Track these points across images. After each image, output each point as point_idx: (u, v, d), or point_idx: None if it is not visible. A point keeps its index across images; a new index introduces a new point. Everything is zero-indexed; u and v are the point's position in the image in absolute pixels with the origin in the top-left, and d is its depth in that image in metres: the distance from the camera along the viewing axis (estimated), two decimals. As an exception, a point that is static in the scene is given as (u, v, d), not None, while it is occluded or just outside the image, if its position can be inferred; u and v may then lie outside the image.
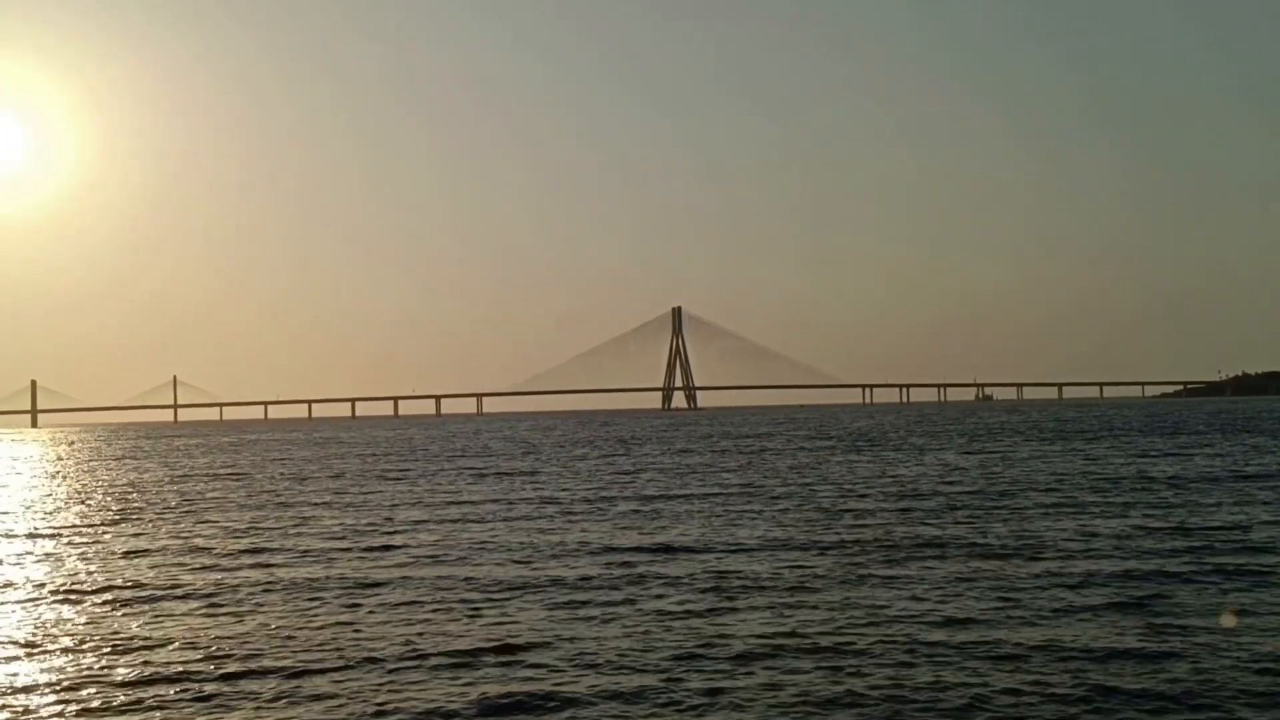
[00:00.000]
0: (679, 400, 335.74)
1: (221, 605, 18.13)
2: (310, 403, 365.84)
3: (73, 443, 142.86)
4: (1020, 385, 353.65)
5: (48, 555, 25.40)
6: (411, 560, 22.57)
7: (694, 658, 13.87)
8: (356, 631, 15.73)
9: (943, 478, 41.16)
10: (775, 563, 21.16)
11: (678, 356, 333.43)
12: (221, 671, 13.64)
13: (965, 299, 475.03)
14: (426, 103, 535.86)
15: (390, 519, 30.98)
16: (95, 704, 12.45)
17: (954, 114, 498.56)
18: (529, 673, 13.29)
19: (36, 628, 16.67)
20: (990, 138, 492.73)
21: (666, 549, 23.23)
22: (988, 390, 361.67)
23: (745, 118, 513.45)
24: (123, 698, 12.64)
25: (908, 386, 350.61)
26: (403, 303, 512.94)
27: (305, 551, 24.47)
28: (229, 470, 61.17)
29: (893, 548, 22.76)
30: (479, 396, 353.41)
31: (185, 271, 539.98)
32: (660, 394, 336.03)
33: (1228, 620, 15.25)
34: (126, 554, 25.03)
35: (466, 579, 19.96)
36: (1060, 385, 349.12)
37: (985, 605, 16.66)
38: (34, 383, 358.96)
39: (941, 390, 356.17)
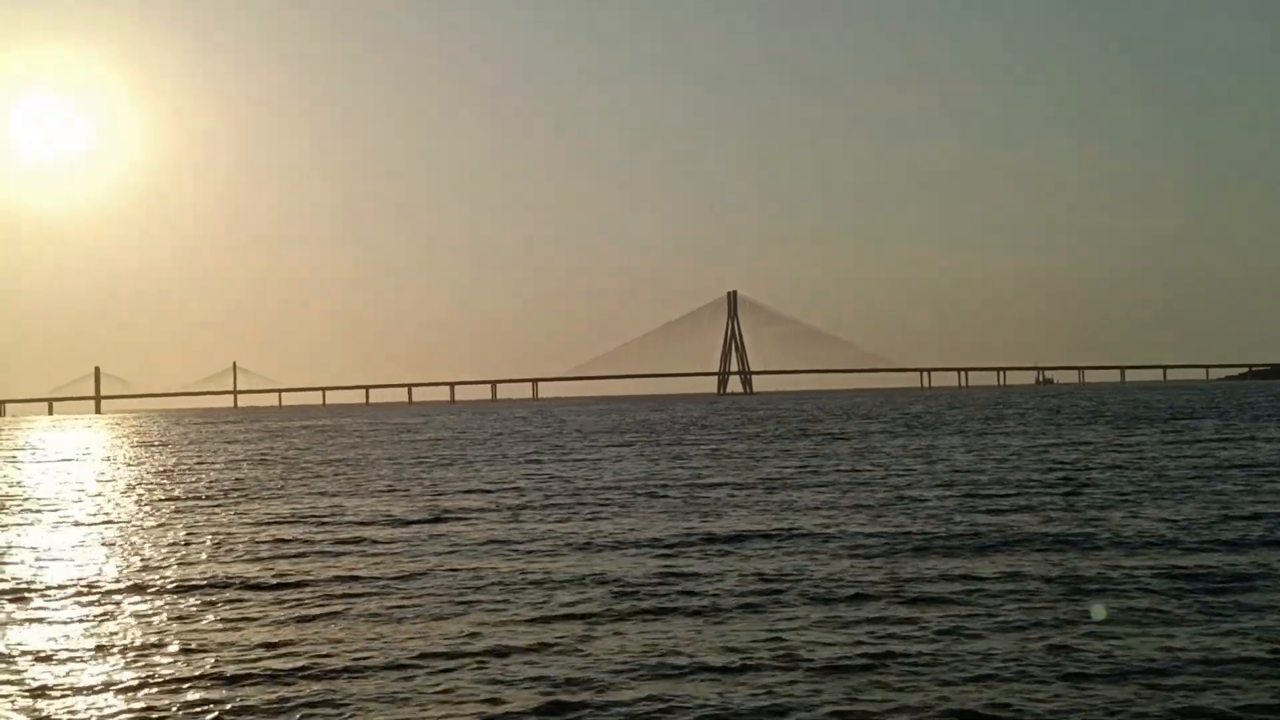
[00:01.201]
0: (734, 385, 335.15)
1: (291, 598, 17.96)
2: (367, 388, 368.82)
3: (134, 430, 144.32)
4: (1082, 369, 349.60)
5: (118, 542, 25.38)
6: (457, 549, 22.34)
7: (761, 668, 13.46)
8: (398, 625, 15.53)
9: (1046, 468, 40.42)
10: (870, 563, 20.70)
11: (733, 340, 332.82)
12: (291, 667, 13.44)
13: (1025, 280, 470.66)
14: (481, 90, 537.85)
15: (458, 507, 30.81)
16: (167, 699, 12.28)
17: (1012, 93, 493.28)
18: (575, 672, 12.97)
19: (104, 619, 16.59)
20: (1048, 116, 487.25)
21: (738, 537, 22.88)
22: (1048, 374, 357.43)
23: (799, 99, 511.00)
24: (199, 694, 12.48)
25: (966, 370, 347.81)
26: (459, 288, 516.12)
27: (355, 540, 24.32)
28: (333, 457, 61.44)
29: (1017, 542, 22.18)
30: (534, 381, 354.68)
31: (245, 259, 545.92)
32: (715, 378, 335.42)
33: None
34: (206, 542, 24.96)
35: (524, 571, 19.70)
36: (1123, 368, 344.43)
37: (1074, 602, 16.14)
38: (97, 369, 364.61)
39: (1001, 374, 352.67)
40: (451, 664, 13.46)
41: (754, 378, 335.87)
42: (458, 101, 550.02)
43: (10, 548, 25.11)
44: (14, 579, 20.40)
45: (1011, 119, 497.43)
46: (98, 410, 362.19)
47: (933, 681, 12.30)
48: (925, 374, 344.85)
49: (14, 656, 14.34)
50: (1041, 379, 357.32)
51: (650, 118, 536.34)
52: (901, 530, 23.58)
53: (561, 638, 14.60)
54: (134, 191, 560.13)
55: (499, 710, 11.72)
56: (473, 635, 14.87)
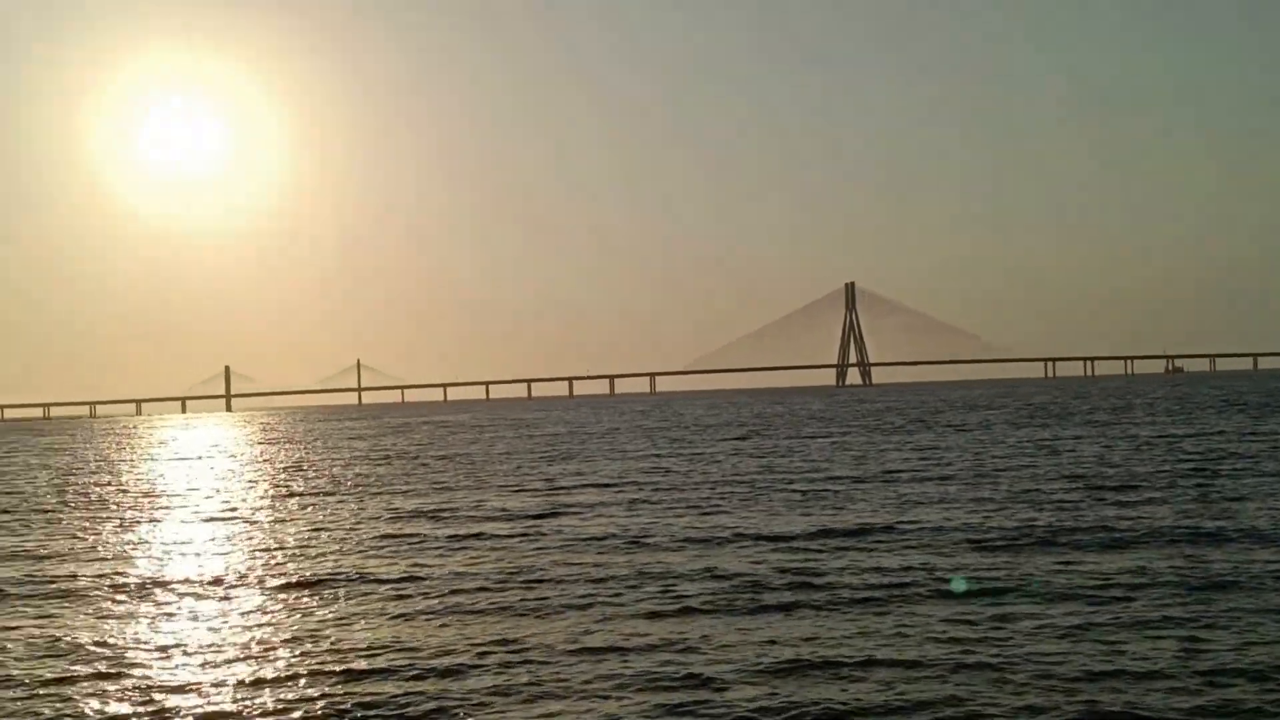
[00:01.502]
0: (853, 377, 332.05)
1: (410, 592, 18.16)
2: (488, 384, 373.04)
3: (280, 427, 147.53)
4: (1213, 356, 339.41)
5: (241, 537, 25.93)
6: (575, 543, 22.37)
7: (884, 664, 13.26)
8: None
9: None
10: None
11: (851, 332, 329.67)
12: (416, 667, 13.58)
13: (1153, 266, 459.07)
14: (601, 90, 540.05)
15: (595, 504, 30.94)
16: (284, 693, 12.49)
17: (1140, 77, 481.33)
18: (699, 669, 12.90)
19: (223, 614, 16.97)
20: (1177, 100, 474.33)
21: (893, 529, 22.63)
22: (1178, 362, 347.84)
23: (915, 87, 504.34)
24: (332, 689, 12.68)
25: (1092, 360, 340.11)
26: (578, 284, 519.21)
27: (473, 535, 24.52)
28: (451, 450, 62.30)
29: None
30: (652, 376, 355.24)
31: (369, 261, 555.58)
32: (834, 371, 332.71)
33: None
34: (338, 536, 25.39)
35: (636, 566, 19.68)
36: (1255, 355, 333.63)
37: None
38: (228, 369, 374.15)
39: (1129, 363, 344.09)
40: (572, 660, 13.47)
41: (873, 369, 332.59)
42: (579, 100, 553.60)
43: (138, 542, 25.84)
44: (138, 573, 20.97)
45: (1139, 104, 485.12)
46: (228, 408, 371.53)
47: (1061, 680, 11.99)
48: (1049, 364, 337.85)
49: (135, 648, 14.73)
50: (1171, 367, 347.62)
51: (768, 111, 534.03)
52: (1026, 524, 23.10)
53: (682, 634, 14.53)
54: (264, 196, 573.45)
55: (619, 707, 11.69)
56: (591, 631, 14.88)
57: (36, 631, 15.95)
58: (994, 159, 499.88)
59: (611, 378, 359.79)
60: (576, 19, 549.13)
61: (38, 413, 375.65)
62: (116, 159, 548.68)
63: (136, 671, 13.61)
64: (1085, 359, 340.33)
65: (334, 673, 13.24)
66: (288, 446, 78.86)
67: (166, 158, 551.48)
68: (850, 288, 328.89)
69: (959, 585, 13.80)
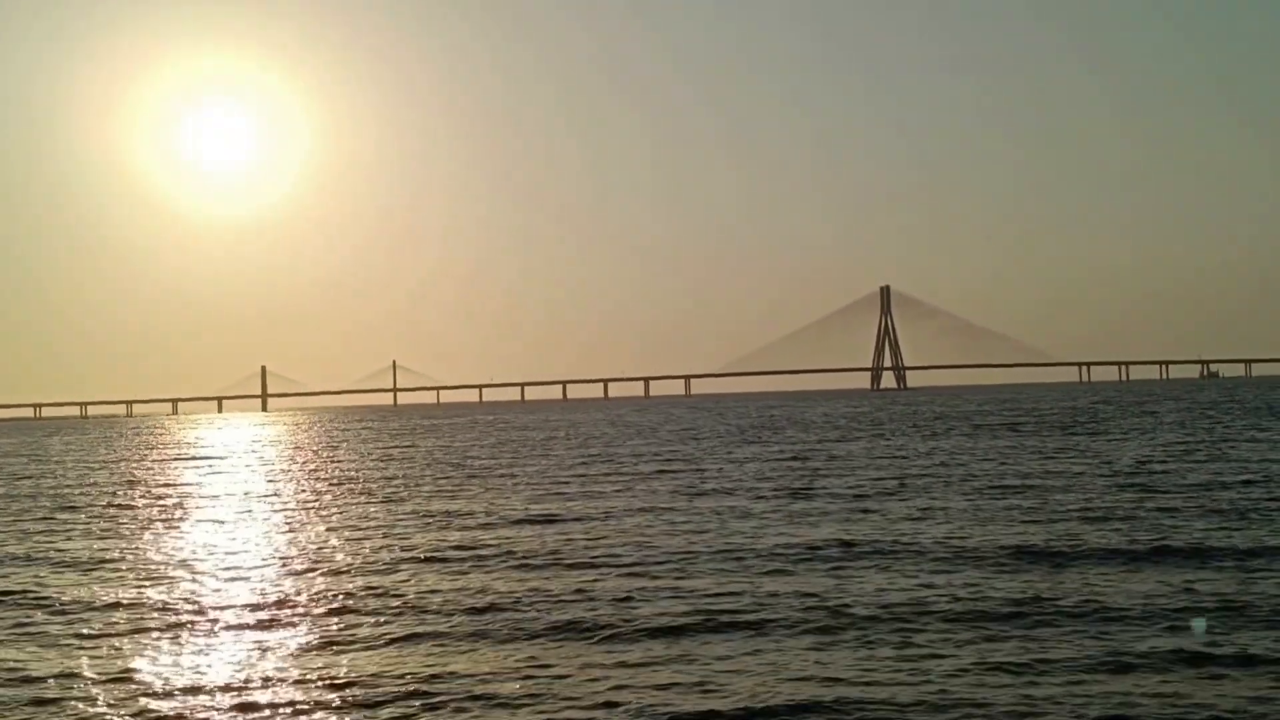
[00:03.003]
0: (888, 380, 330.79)
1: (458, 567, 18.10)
2: (523, 385, 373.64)
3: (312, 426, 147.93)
4: (1249, 361, 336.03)
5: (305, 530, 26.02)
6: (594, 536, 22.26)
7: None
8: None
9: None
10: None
11: (886, 336, 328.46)
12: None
13: (1189, 269, 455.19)
14: (639, 92, 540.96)
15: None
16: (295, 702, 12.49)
17: (1172, 80, 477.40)
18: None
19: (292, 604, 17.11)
20: (1214, 106, 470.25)
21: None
22: (1214, 367, 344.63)
23: (953, 90, 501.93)
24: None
25: (1127, 364, 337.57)
26: (613, 286, 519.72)
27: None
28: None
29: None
30: (687, 378, 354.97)
31: (405, 260, 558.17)
32: (869, 374, 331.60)
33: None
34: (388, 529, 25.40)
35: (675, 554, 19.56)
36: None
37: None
38: (264, 368, 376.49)
39: (1164, 367, 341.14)
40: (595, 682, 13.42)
41: (908, 373, 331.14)
42: (617, 101, 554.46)
43: (166, 540, 25.89)
44: (166, 573, 21.02)
45: (1175, 109, 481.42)
46: (264, 408, 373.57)
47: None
48: (1084, 368, 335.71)
49: (162, 644, 14.78)
50: (1206, 372, 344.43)
51: (806, 113, 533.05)
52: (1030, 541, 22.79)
53: (687, 654, 14.44)
54: (299, 198, 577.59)
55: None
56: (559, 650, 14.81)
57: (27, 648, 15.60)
58: (1029, 163, 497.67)
59: (646, 380, 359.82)
60: (614, 16, 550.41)
61: (75, 411, 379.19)
62: (155, 159, 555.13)
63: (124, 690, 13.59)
64: (1120, 363, 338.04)
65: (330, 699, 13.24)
66: (321, 448, 79.09)
67: (204, 158, 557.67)
68: (885, 291, 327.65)
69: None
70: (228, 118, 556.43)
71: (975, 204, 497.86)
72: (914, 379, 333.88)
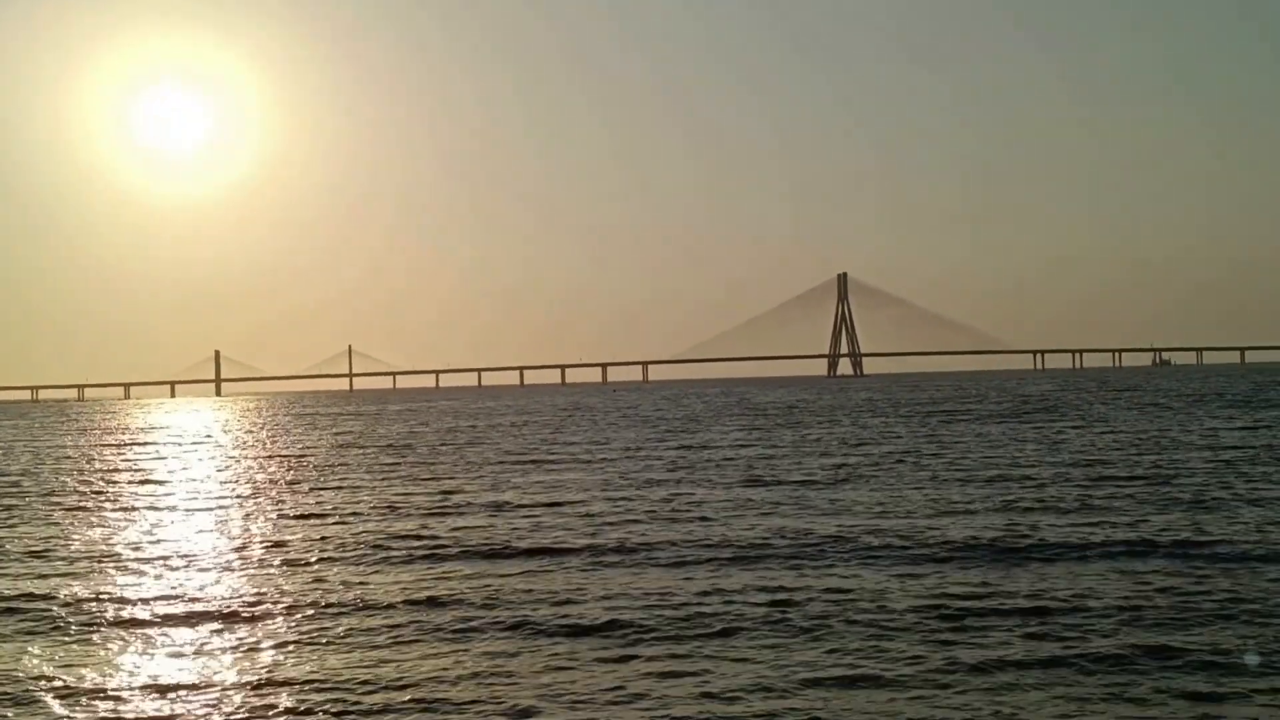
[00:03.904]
0: (845, 367, 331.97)
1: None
2: (480, 371, 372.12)
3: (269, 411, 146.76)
4: (1200, 350, 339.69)
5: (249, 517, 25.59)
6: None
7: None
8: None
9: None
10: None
11: (843, 323, 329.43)
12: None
13: (1140, 260, 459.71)
14: (597, 78, 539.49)
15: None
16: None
17: (1126, 73, 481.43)
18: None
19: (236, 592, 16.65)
20: (1166, 97, 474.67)
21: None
22: (1165, 355, 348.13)
23: (911, 79, 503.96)
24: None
25: (1081, 352, 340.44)
26: (571, 272, 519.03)
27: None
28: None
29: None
30: (644, 364, 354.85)
31: (360, 245, 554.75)
32: (825, 361, 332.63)
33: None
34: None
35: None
36: (1243, 349, 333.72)
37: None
38: (217, 353, 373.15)
39: (1116, 355, 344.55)
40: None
41: (864, 360, 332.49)
42: (574, 86, 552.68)
43: (117, 527, 25.39)
44: (114, 556, 20.59)
45: (1129, 98, 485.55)
46: (218, 393, 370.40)
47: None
48: (1039, 355, 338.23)
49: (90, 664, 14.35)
50: (1158, 360, 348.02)
51: (764, 101, 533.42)
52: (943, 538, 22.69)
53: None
54: (255, 180, 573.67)
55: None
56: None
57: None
58: (986, 153, 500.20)
59: (604, 365, 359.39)
60: (572, 1, 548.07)
61: (25, 395, 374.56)
62: (108, 140, 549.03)
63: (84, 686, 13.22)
64: (1074, 351, 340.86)
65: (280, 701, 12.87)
66: (273, 432, 78.39)
67: (157, 141, 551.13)
68: (843, 278, 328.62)
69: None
70: (181, 99, 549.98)
71: (932, 193, 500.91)
72: (870, 366, 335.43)
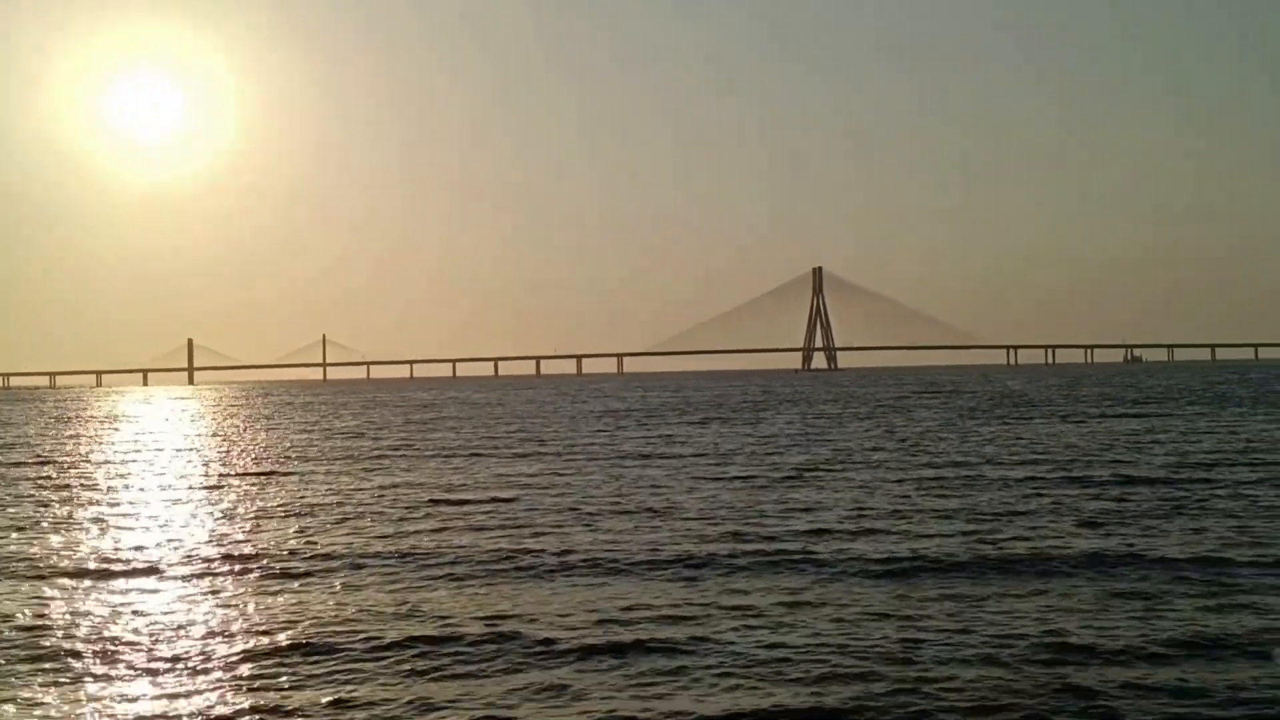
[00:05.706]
0: (819, 361, 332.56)
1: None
2: (454, 361, 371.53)
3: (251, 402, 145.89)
4: (1171, 346, 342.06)
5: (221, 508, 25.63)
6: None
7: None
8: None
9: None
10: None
11: (818, 317, 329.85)
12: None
13: (1113, 257, 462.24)
14: (574, 70, 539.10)
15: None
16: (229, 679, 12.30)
17: (1102, 72, 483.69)
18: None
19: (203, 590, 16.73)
20: (1144, 94, 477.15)
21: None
22: (1137, 351, 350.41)
23: (888, 76, 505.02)
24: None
25: (1054, 348, 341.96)
26: (547, 264, 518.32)
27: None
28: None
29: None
30: (619, 356, 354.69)
31: (336, 234, 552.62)
32: (800, 354, 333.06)
33: None
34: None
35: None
36: (1213, 346, 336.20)
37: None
38: (190, 341, 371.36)
39: (1089, 351, 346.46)
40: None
41: (838, 354, 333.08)
42: (551, 78, 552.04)
43: (86, 519, 25.47)
44: (85, 549, 20.72)
45: (1107, 96, 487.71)
46: (191, 381, 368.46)
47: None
48: (1011, 351, 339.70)
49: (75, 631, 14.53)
50: (1130, 356, 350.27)
51: (741, 95, 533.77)
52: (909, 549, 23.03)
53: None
54: (228, 167, 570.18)
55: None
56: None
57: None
58: (961, 149, 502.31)
59: (579, 357, 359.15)
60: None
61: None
62: (81, 127, 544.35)
63: (68, 658, 13.33)
64: (1047, 347, 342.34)
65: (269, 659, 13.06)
66: (243, 421, 78.23)
67: (131, 126, 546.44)
68: (818, 272, 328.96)
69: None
70: (154, 87, 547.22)
71: (907, 188, 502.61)
72: (845, 360, 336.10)
